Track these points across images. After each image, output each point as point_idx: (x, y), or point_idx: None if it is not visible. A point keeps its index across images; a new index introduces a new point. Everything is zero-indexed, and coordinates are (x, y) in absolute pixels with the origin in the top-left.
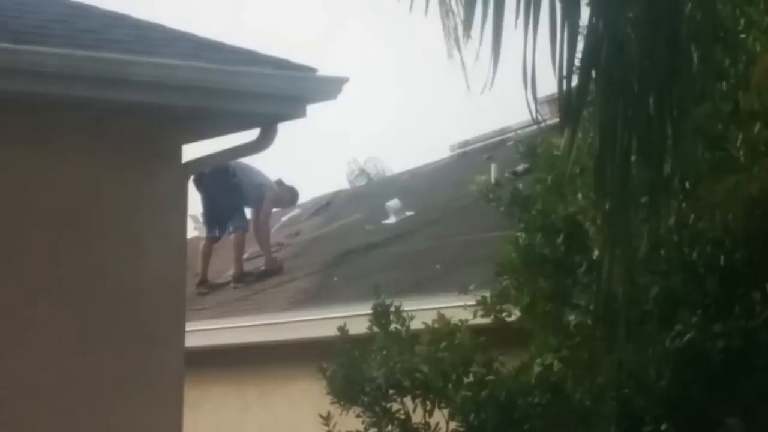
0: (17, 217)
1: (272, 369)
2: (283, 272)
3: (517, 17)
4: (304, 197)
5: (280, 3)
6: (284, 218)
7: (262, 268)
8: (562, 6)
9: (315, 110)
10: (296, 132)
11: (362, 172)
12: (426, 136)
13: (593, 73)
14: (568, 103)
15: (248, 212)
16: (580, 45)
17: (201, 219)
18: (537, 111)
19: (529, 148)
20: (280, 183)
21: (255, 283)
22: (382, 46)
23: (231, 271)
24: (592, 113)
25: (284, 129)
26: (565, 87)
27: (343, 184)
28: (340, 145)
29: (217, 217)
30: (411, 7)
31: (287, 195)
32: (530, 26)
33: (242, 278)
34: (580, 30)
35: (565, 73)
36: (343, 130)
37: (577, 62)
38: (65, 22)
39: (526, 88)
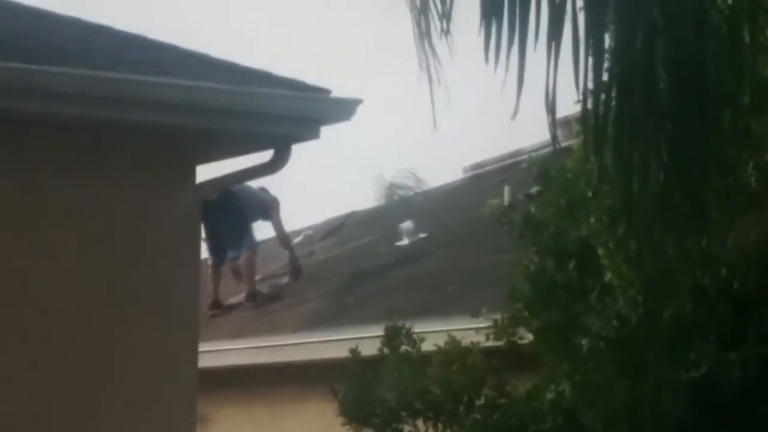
0: (31, 238)
1: (284, 390)
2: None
3: (536, 40)
4: (316, 219)
5: (296, 23)
6: (297, 239)
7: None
8: (585, 28)
9: (329, 131)
10: (310, 153)
11: (391, 186)
12: (438, 158)
13: (615, 97)
14: (592, 126)
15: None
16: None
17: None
18: (557, 135)
19: (542, 170)
20: (265, 191)
21: (267, 302)
22: (394, 64)
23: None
24: (615, 137)
25: (298, 150)
26: (590, 106)
27: (358, 204)
28: (352, 167)
29: (222, 244)
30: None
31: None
32: (552, 50)
33: (255, 297)
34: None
35: (589, 95)
36: (353, 152)
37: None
38: (79, 43)
39: (548, 112)
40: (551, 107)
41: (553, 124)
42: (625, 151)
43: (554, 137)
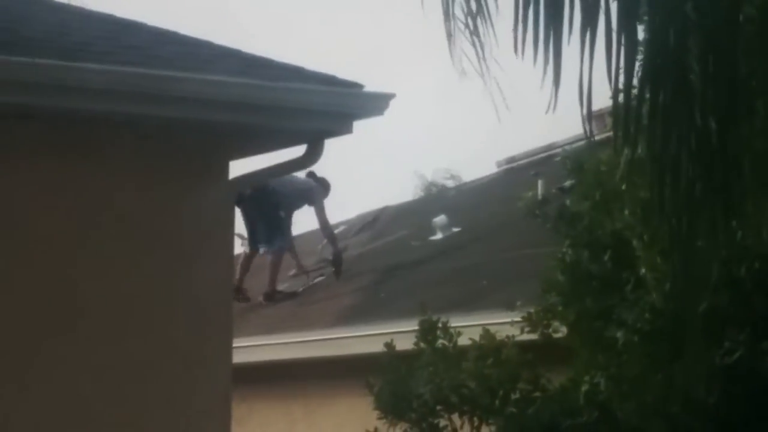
0: (65, 234)
1: (318, 385)
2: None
3: (570, 32)
4: (350, 213)
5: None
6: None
7: (329, 258)
8: (618, 21)
9: (361, 126)
10: (342, 148)
11: (430, 185)
12: (471, 152)
13: (648, 90)
14: (624, 119)
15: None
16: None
17: (244, 236)
18: (591, 129)
19: (576, 163)
20: (313, 175)
21: (284, 300)
22: (428, 60)
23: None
24: (648, 130)
25: (330, 145)
26: (621, 100)
27: (393, 199)
28: (387, 161)
29: (257, 235)
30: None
31: (323, 185)
32: (587, 43)
33: (273, 297)
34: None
35: (621, 87)
36: (388, 146)
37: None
38: (112, 39)
39: (581, 105)
40: (586, 100)
41: (588, 116)
42: (657, 142)
43: (589, 130)
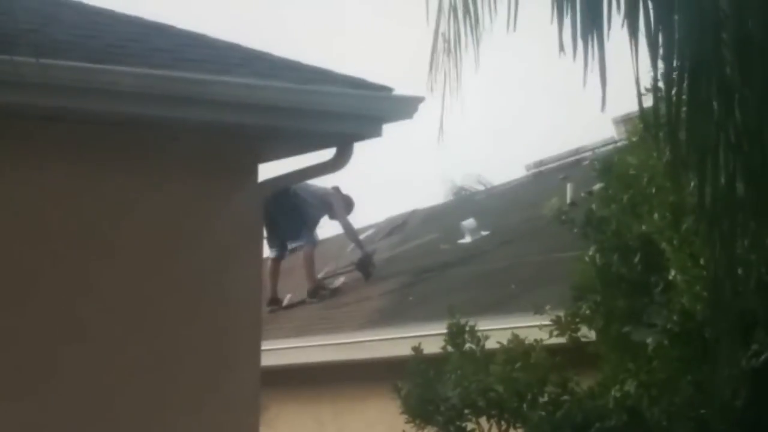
0: (94, 236)
1: (347, 388)
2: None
3: (609, 27)
4: (379, 217)
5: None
6: (360, 237)
7: (355, 262)
8: (654, 18)
9: (390, 129)
10: (371, 150)
11: (460, 190)
12: (501, 155)
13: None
14: (666, 113)
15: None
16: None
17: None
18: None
19: (604, 167)
20: (337, 190)
21: (329, 297)
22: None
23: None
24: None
25: (360, 148)
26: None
27: (422, 203)
28: (416, 164)
29: (280, 238)
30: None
31: (345, 203)
32: (633, 39)
33: (317, 292)
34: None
35: (661, 86)
36: (418, 149)
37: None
38: (141, 42)
39: (638, 101)
40: (638, 95)
41: (641, 110)
42: (696, 138)
43: (646, 125)
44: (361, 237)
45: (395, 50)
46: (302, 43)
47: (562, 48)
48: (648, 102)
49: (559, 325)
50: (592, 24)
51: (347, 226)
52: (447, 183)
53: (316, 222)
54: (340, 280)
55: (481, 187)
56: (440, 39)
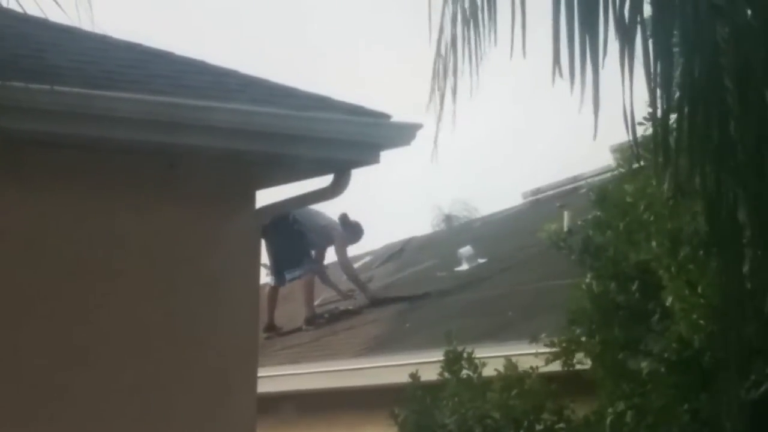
0: (89, 262)
1: (343, 415)
2: (380, 300)
3: (605, 55)
4: (376, 244)
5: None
6: (356, 265)
7: (351, 304)
8: (653, 49)
9: (388, 156)
10: (369, 177)
11: (447, 218)
12: (497, 183)
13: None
14: (663, 141)
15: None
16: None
17: (267, 266)
18: (638, 152)
19: (600, 195)
20: (344, 219)
21: (326, 325)
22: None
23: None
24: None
25: (357, 175)
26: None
27: (414, 230)
28: (412, 191)
29: (281, 264)
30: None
31: (353, 231)
32: (626, 70)
33: (314, 321)
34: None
35: (659, 115)
36: (412, 177)
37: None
38: (139, 68)
39: (627, 130)
40: (632, 125)
41: (634, 140)
42: (696, 164)
43: (636, 155)
44: (358, 264)
45: (394, 79)
46: (303, 70)
47: (560, 74)
48: (642, 130)
49: (556, 352)
50: (586, 51)
51: (345, 264)
52: (435, 210)
53: (317, 250)
54: (337, 307)
55: (467, 214)
56: (440, 64)
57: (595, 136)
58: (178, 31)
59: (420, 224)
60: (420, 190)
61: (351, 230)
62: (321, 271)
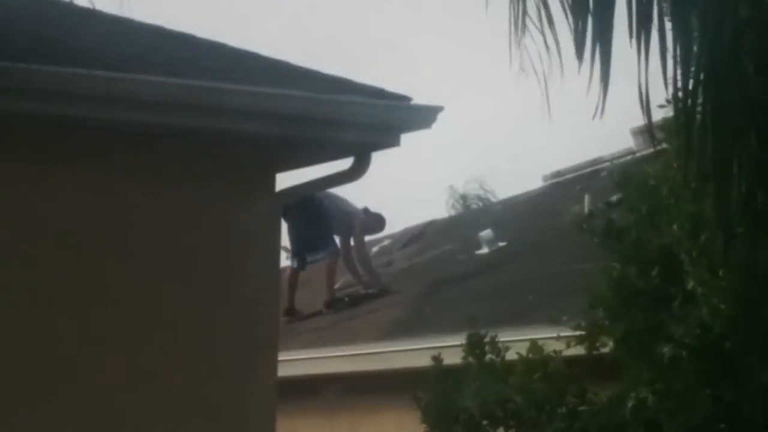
0: (112, 245)
1: (363, 399)
2: (391, 293)
3: (631, 38)
4: (396, 227)
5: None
6: (376, 248)
7: (370, 290)
8: (672, 27)
9: (409, 139)
10: (390, 159)
11: (463, 197)
12: (519, 166)
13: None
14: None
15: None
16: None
17: (288, 249)
18: (653, 134)
19: (622, 178)
20: (366, 210)
21: (346, 309)
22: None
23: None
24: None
25: (378, 157)
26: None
27: (435, 214)
28: (430, 175)
29: (303, 247)
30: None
31: (375, 222)
32: (642, 47)
33: (334, 304)
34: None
35: (680, 95)
36: (433, 160)
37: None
38: (160, 51)
39: (643, 112)
40: (646, 107)
41: (649, 123)
42: (716, 145)
43: (651, 136)
44: (377, 248)
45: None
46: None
47: (580, 56)
48: (663, 113)
49: (578, 336)
50: (600, 32)
51: (361, 253)
52: (449, 190)
53: (341, 235)
54: (358, 290)
55: (483, 194)
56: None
57: (601, 114)
58: (197, 14)
59: (435, 206)
60: (433, 173)
61: (373, 221)
62: (348, 256)
